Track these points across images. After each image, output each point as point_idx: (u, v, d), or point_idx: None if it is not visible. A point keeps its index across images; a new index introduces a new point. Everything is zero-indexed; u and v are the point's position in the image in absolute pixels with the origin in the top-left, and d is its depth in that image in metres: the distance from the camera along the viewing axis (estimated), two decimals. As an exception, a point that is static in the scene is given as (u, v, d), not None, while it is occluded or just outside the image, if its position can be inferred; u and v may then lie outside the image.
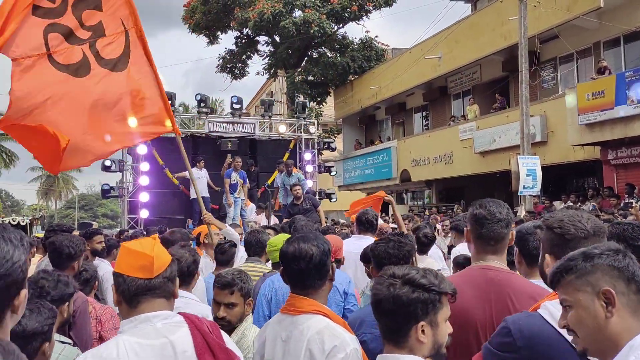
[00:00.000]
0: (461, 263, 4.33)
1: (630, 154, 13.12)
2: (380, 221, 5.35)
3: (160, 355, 1.84)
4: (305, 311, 2.15)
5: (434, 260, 5.16)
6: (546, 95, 16.51)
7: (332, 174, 18.25)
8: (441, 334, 1.74)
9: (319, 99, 27.34)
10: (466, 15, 19.72)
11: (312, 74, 26.45)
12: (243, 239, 4.74)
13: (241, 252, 4.89)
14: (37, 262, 5.38)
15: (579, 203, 13.02)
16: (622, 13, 13.93)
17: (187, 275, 3.23)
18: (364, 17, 25.97)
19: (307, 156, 16.04)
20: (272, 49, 27.73)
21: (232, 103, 15.47)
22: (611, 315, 1.38)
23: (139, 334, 1.86)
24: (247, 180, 12.42)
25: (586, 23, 14.38)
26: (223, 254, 4.43)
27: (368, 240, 4.39)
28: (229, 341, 2.09)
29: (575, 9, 14.06)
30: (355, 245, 4.39)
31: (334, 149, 18.53)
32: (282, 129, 16.06)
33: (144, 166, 13.57)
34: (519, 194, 12.25)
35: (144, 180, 13.61)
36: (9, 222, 16.72)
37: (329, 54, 26.46)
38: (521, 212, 11.47)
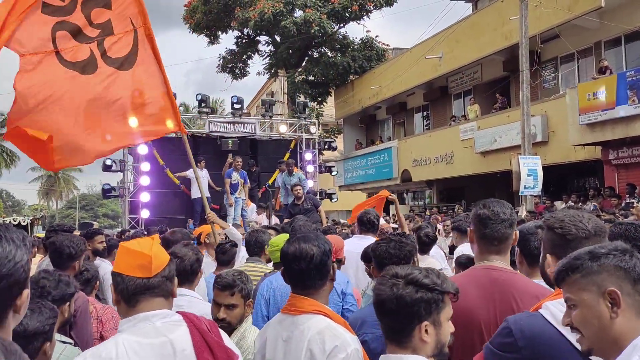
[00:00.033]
0: (463, 263, 4.34)
1: (631, 154, 13.11)
2: (381, 221, 5.35)
3: (160, 354, 1.85)
4: (306, 311, 2.15)
5: (436, 260, 5.16)
6: (547, 95, 16.50)
7: (332, 173, 18.24)
8: (444, 333, 1.75)
9: (319, 99, 27.33)
10: (467, 15, 19.72)
11: (313, 73, 26.45)
12: (244, 239, 4.74)
13: (242, 252, 4.89)
14: (38, 262, 5.38)
15: (580, 203, 13.01)
16: (623, 13, 13.91)
17: (190, 273, 3.23)
18: (365, 17, 25.97)
19: (308, 156, 16.03)
20: (272, 49, 27.73)
21: (232, 103, 15.48)
22: (616, 315, 1.37)
23: (138, 332, 1.86)
24: (248, 180, 12.42)
25: (587, 23, 14.37)
26: (224, 254, 4.42)
27: (369, 240, 4.38)
28: (227, 340, 2.09)
29: (576, 9, 14.05)
30: (356, 245, 4.38)
31: (334, 149, 18.52)
32: (283, 129, 16.06)
33: (145, 166, 13.57)
34: (519, 194, 12.24)
35: (145, 181, 13.61)
36: (10, 222, 16.72)
37: (329, 53, 26.46)
38: (522, 212, 11.46)
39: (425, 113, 24.14)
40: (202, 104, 15.05)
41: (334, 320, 2.14)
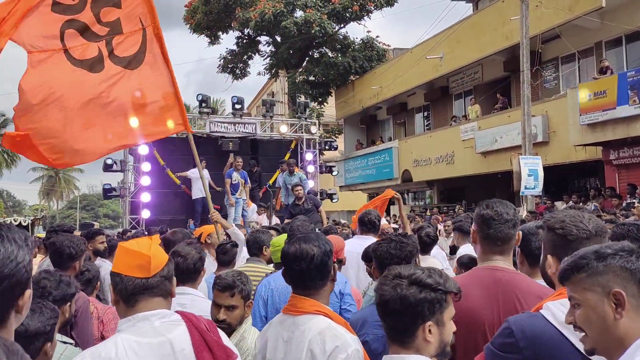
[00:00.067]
0: (465, 263, 4.34)
1: (632, 154, 13.10)
2: (383, 221, 5.35)
3: (159, 354, 1.85)
4: (307, 312, 2.15)
5: (438, 260, 5.16)
6: (548, 95, 16.49)
7: (333, 173, 18.24)
8: (447, 333, 1.75)
9: (320, 99, 27.33)
10: (468, 15, 19.71)
11: (313, 74, 26.44)
12: (246, 240, 4.74)
13: (244, 253, 4.90)
14: (39, 263, 5.38)
15: (581, 203, 13.00)
16: (623, 13, 13.91)
17: (193, 272, 3.24)
18: (365, 17, 25.98)
19: (309, 156, 16.03)
20: (273, 49, 27.73)
21: (233, 103, 15.47)
22: (620, 316, 1.37)
23: (137, 332, 1.87)
24: (249, 181, 12.42)
25: (588, 23, 14.37)
26: (225, 254, 4.42)
27: (370, 240, 4.38)
28: (226, 339, 2.10)
29: (577, 9, 14.05)
30: (357, 245, 4.39)
31: (335, 148, 18.51)
32: (284, 129, 16.06)
33: (146, 166, 13.57)
34: (520, 194, 12.24)
35: (146, 181, 13.61)
36: (11, 223, 16.73)
37: (330, 54, 26.46)
38: (523, 213, 11.45)
39: (425, 113, 24.14)
40: (203, 104, 15.05)
41: (334, 321, 2.13)
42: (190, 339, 1.91)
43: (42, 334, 2.18)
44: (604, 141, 13.32)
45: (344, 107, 26.80)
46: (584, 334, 1.45)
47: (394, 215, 17.21)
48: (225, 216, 11.66)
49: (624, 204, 11.50)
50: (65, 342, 2.58)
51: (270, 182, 14.82)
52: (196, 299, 3.14)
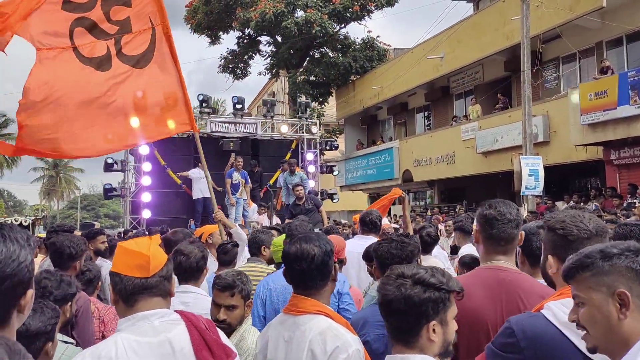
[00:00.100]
0: (467, 263, 4.34)
1: (633, 154, 13.10)
2: (384, 220, 5.34)
3: (159, 353, 1.86)
4: (308, 312, 2.15)
5: (439, 260, 5.15)
6: (549, 95, 16.48)
7: (334, 173, 18.24)
8: (450, 332, 1.75)
9: (320, 99, 27.33)
10: (468, 15, 19.71)
11: (314, 74, 26.45)
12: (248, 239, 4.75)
13: (245, 253, 4.91)
14: (40, 263, 5.37)
15: (582, 203, 12.99)
16: (624, 13, 13.90)
17: (196, 270, 3.25)
18: (366, 17, 25.98)
19: (309, 156, 16.03)
20: (273, 49, 27.74)
21: (233, 103, 15.47)
22: (624, 317, 1.36)
23: (137, 332, 1.87)
24: (249, 180, 12.42)
25: (589, 23, 14.36)
26: (225, 254, 4.42)
27: (371, 240, 4.38)
28: (225, 338, 2.10)
29: (578, 9, 14.04)
30: (358, 245, 4.39)
31: (336, 147, 18.51)
32: (284, 129, 16.06)
33: (146, 166, 13.57)
34: (521, 194, 12.23)
35: (146, 181, 13.61)
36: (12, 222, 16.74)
37: (330, 54, 26.46)
38: (523, 213, 11.45)
39: (426, 113, 24.13)
40: (204, 104, 15.05)
41: (335, 321, 2.13)
42: (189, 338, 1.92)
43: (43, 333, 2.18)
44: (604, 141, 13.31)
45: (345, 107, 26.81)
46: (585, 332, 1.45)
47: (395, 215, 17.21)
48: (226, 216, 11.67)
49: (624, 204, 11.49)
50: (66, 342, 2.58)
51: (271, 182, 14.82)
52: (199, 297, 3.14)
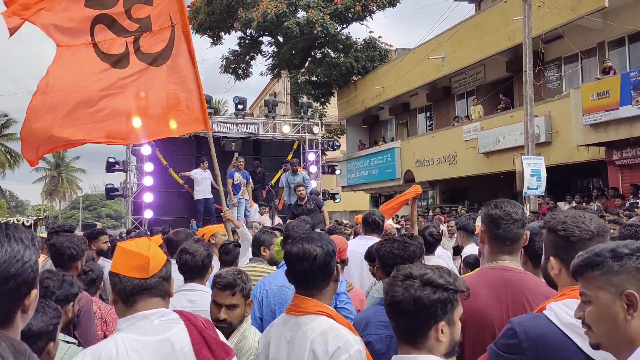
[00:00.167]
0: (472, 263, 4.34)
1: (635, 154, 13.07)
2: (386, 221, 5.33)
3: (159, 352, 1.86)
4: (309, 312, 2.15)
5: (442, 260, 5.15)
6: (550, 96, 16.46)
7: (336, 173, 18.23)
8: (457, 331, 1.75)
9: (322, 100, 27.34)
10: (470, 15, 19.69)
11: (316, 74, 26.46)
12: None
13: (249, 253, 4.91)
14: (42, 263, 5.38)
15: (584, 203, 12.97)
16: (626, 13, 13.88)
17: (201, 268, 3.26)
18: (368, 18, 25.98)
19: (311, 157, 16.03)
20: (275, 50, 27.75)
21: (235, 104, 15.48)
22: (632, 318, 1.36)
23: (137, 331, 1.88)
24: (251, 181, 12.42)
25: (590, 23, 14.34)
26: (227, 254, 4.42)
27: (374, 240, 4.37)
28: (222, 338, 2.11)
29: (580, 9, 14.02)
30: (361, 245, 4.38)
31: (338, 146, 18.50)
32: (286, 129, 16.06)
33: (148, 166, 13.57)
34: (523, 194, 12.22)
35: (148, 181, 13.61)
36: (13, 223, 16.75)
37: (332, 54, 26.47)
38: (525, 213, 11.43)
39: (428, 113, 24.11)
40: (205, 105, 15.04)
41: (337, 321, 2.13)
42: (189, 337, 1.93)
43: (45, 333, 2.18)
44: (606, 141, 13.29)
45: (347, 107, 26.80)
46: (589, 329, 1.45)
47: (396, 216, 17.19)
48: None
49: (627, 204, 11.48)
50: (68, 342, 2.59)
51: (273, 182, 14.82)
52: (205, 295, 3.14)
